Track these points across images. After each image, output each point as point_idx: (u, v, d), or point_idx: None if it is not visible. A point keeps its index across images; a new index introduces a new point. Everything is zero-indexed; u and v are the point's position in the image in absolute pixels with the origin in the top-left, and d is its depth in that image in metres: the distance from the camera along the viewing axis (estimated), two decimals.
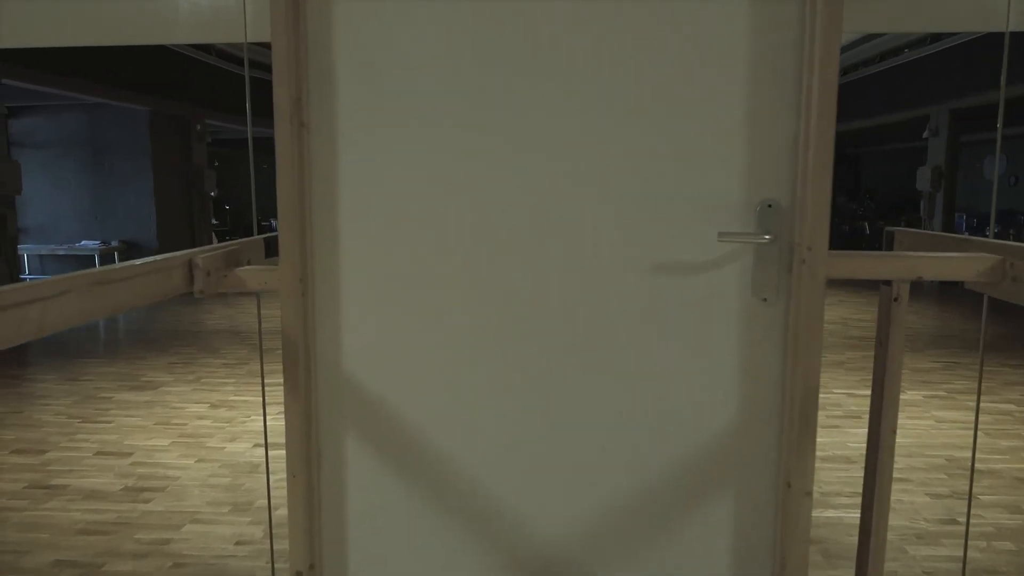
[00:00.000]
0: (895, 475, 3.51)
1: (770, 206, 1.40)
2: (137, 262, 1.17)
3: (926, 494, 3.46)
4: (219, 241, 11.41)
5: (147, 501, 3.39)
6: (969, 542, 2.85)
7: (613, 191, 1.44)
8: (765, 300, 1.44)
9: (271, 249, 1.70)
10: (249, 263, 1.52)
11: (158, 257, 1.25)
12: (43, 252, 9.14)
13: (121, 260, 9.10)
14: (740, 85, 1.39)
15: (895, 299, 1.79)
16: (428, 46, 1.43)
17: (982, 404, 4.94)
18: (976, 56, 8.82)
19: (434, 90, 1.43)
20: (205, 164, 9.88)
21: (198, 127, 9.56)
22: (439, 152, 1.45)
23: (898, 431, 4.48)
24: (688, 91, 1.41)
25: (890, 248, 1.90)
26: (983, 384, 5.46)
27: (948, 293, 9.76)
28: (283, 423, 1.47)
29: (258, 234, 1.65)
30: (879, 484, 1.77)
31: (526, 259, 1.46)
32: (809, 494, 1.42)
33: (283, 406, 1.46)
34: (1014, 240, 10.57)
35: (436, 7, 1.41)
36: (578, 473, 1.52)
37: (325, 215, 1.46)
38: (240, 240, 1.53)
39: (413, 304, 1.48)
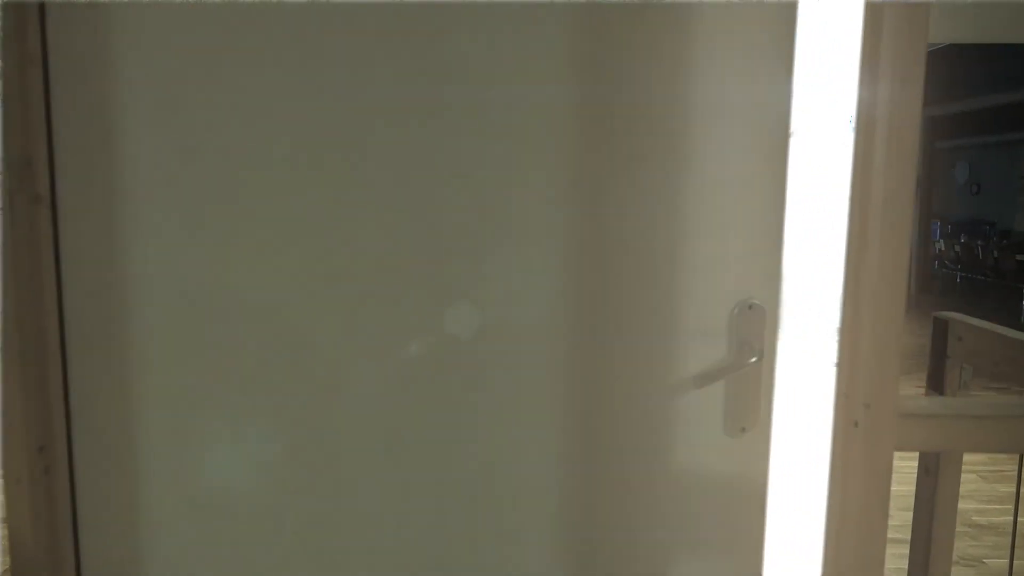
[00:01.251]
0: (887, 536, 3.06)
1: (751, 307, 0.97)
2: None
3: None
4: None
5: None
6: None
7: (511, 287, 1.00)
8: (744, 430, 1.00)
9: None
10: None
11: None
12: None
13: None
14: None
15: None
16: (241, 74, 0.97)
17: None
18: (948, 64, 8.59)
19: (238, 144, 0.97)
20: None
21: None
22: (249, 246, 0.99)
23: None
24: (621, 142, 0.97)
25: (940, 334, 1.44)
26: None
27: (933, 305, 9.45)
28: None
29: None
30: None
31: (373, 417, 0.99)
32: None
33: None
34: (982, 250, 10.05)
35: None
36: None
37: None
38: None
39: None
